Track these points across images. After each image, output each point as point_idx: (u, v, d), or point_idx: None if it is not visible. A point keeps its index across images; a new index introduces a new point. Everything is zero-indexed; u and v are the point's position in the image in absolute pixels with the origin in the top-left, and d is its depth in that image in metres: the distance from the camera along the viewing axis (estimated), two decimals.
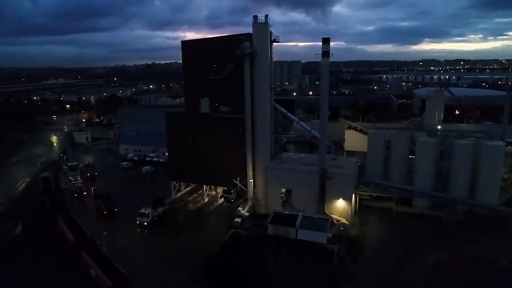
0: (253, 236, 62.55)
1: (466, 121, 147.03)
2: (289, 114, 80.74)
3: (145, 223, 72.31)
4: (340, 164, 73.88)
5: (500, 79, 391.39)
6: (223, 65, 74.89)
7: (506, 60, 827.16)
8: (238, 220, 69.49)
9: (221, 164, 79.15)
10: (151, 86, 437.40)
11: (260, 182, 76.49)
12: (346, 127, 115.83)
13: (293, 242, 59.61)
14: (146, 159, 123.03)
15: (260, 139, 75.10)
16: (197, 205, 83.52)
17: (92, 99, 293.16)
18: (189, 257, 61.58)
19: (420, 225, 70.27)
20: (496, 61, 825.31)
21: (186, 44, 79.37)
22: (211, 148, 79.53)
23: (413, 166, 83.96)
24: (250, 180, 73.78)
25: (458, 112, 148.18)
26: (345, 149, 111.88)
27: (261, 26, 71.01)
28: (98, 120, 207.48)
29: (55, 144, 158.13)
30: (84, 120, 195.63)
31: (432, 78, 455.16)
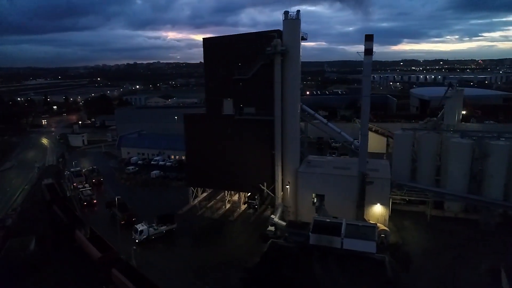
0: (293, 246, 58.56)
1: (468, 121, 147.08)
2: (317, 115, 77.06)
3: (137, 240, 64.58)
4: (374, 167, 70.58)
5: (485, 79, 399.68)
6: (249, 63, 70.64)
7: (482, 60, 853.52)
8: (271, 228, 65.52)
9: (246, 169, 74.77)
10: (138, 86, 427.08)
11: (289, 187, 72.38)
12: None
13: (338, 252, 56.03)
14: (152, 162, 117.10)
15: (289, 141, 71.05)
16: (219, 212, 78.74)
17: (79, 99, 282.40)
18: (223, 270, 57.02)
19: (459, 229, 67.73)
20: (473, 61, 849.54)
21: (208, 41, 74.48)
22: (234, 151, 75.11)
23: (441, 168, 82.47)
24: (287, 186, 69.68)
25: (464, 112, 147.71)
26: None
27: (292, 22, 66.97)
28: (89, 121, 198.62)
29: (48, 147, 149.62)
30: (80, 122, 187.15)
31: (418, 78, 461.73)
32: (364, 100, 61.49)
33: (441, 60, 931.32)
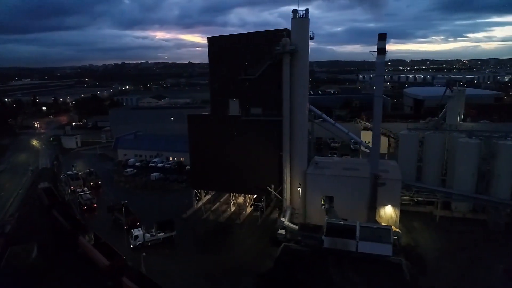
0: (307, 250, 57.21)
1: (464, 120, 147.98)
2: (325, 116, 75.88)
3: (131, 246, 62.76)
4: (383, 168, 69.51)
5: (473, 78, 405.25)
6: (256, 63, 69.12)
7: (467, 60, 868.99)
8: (282, 232, 64.08)
9: (253, 171, 73.22)
10: (127, 87, 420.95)
11: (297, 189, 71.06)
12: (362, 128, 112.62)
13: (354, 255, 54.89)
14: (150, 164, 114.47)
15: (297, 142, 69.73)
16: (225, 215, 76.95)
17: (69, 100, 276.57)
18: (235, 275, 55.41)
19: (468, 230, 67.41)
20: (458, 61, 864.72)
21: (213, 40, 72.63)
22: (241, 153, 73.45)
23: (447, 168, 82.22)
24: (298, 189, 68.05)
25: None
26: (361, 150, 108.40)
27: (301, 21, 65.69)
28: (81, 122, 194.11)
29: (40, 150, 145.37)
30: (74, 123, 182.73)
31: (407, 77, 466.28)
32: (376, 101, 60.47)
33: (428, 60, 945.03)
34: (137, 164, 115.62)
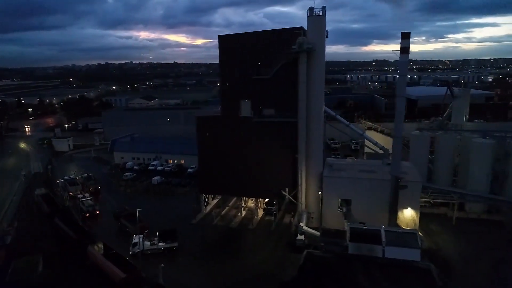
0: (331, 256, 55.02)
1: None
2: (338, 117, 74.02)
3: (130, 253, 59.83)
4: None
5: (458, 78, 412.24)
6: (269, 62, 66.74)
7: (448, 60, 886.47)
8: (301, 237, 61.78)
9: (266, 174, 70.82)
10: (114, 87, 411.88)
11: (312, 192, 68.98)
12: (366, 128, 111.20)
13: (380, 261, 52.99)
14: (149, 168, 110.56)
15: (313, 144, 67.64)
16: (236, 221, 74.16)
17: (55, 101, 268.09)
18: (258, 285, 52.92)
19: (486, 231, 66.52)
20: (440, 61, 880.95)
21: (224, 39, 69.89)
22: (253, 155, 70.98)
23: (459, 169, 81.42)
24: (319, 193, 65.61)
25: None
26: (365, 151, 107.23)
27: (318, 19, 63.68)
28: (70, 124, 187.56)
29: (30, 153, 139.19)
30: (66, 125, 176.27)
31: (394, 77, 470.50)
32: (399, 101, 58.82)
33: (411, 60, 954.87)
34: (135, 167, 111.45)
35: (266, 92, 68.37)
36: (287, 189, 69.56)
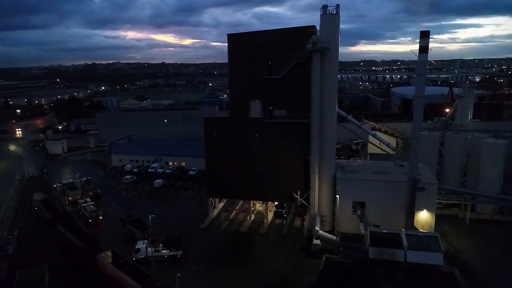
0: (352, 262, 53.35)
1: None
2: (350, 117, 72.58)
3: (133, 258, 57.63)
4: None
5: (447, 78, 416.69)
6: (280, 62, 64.86)
7: (434, 60, 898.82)
8: (317, 242, 60.10)
9: (276, 176, 68.95)
10: (103, 88, 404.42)
11: (325, 195, 67.36)
12: (369, 128, 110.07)
13: (403, 266, 51.54)
14: (149, 170, 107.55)
15: (326, 146, 65.92)
16: (246, 225, 72.11)
17: (44, 102, 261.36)
18: None
19: (499, 232, 66.11)
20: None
21: (233, 38, 67.65)
22: (263, 158, 69.03)
23: (468, 169, 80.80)
24: (337, 196, 63.77)
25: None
26: (369, 151, 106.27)
27: (332, 18, 61.95)
28: (61, 126, 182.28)
29: (23, 156, 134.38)
30: (55, 127, 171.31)
31: (384, 77, 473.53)
32: (417, 101, 57.58)
33: (398, 60, 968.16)
34: (135, 170, 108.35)
35: (277, 92, 66.49)
36: (299, 192, 67.86)
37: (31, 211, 77.00)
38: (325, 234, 60.34)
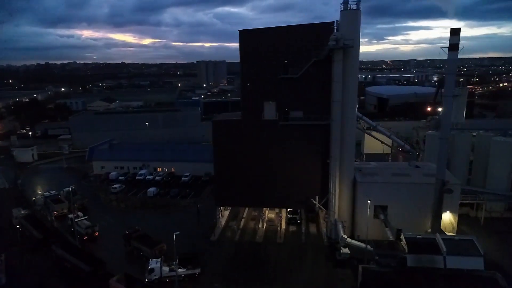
0: (390, 271, 50.50)
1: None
2: (365, 118, 70.14)
3: (146, 279, 51.85)
4: (430, 172, 65.51)
5: (409, 78, 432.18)
6: (298, 60, 61.04)
7: (391, 61, 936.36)
8: (346, 251, 56.79)
9: (292, 182, 65.22)
10: (63, 89, 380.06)
11: (345, 200, 64.32)
12: (365, 128, 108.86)
13: (443, 273, 49.42)
14: (137, 177, 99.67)
15: (346, 149, 62.81)
16: (260, 234, 67.49)
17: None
18: None
19: None
20: (383, 62, 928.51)
21: (246, 34, 62.91)
22: (278, 162, 65.06)
23: (474, 168, 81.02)
24: (368, 201, 60.34)
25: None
26: (364, 151, 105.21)
27: (353, 14, 58.84)
28: (24, 131, 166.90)
29: None
30: (20, 132, 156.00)
31: (360, 76, 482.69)
32: (447, 101, 55.77)
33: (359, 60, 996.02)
34: (121, 178, 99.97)
35: (293, 92, 62.63)
36: (317, 197, 64.40)
37: (13, 230, 67.39)
38: (354, 241, 57.21)
